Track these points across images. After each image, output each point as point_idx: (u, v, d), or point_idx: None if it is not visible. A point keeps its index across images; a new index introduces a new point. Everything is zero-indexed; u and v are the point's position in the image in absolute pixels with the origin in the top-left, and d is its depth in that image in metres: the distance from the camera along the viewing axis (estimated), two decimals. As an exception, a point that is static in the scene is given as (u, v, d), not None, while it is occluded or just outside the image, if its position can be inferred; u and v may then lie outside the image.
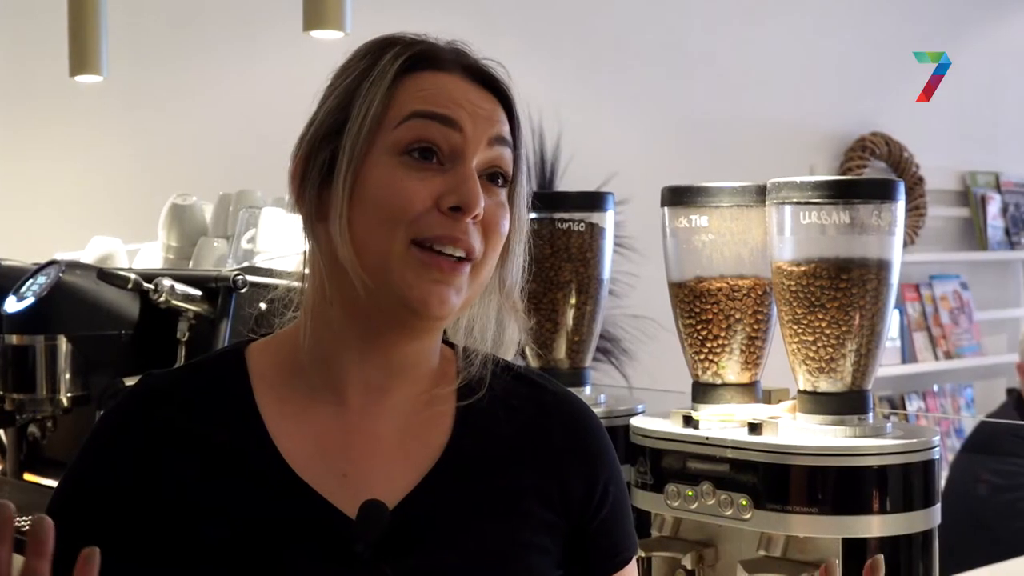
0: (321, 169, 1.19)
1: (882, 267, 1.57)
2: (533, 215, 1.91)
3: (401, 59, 1.19)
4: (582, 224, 1.92)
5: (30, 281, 2.32)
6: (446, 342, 1.30)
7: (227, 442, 1.20)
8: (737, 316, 1.73)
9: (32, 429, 2.44)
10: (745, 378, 1.75)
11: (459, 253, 1.16)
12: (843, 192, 1.56)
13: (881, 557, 1.19)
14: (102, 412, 1.28)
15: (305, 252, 1.23)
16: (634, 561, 1.32)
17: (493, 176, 1.20)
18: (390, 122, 1.17)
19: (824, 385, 1.60)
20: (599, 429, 1.32)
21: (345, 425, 1.22)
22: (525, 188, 1.24)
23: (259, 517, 1.17)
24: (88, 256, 2.74)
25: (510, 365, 1.31)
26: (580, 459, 1.28)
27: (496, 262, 1.22)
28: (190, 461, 1.19)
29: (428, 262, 1.15)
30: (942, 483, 3.13)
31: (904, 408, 5.60)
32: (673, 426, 1.69)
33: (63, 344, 2.25)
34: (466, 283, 1.18)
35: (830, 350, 1.58)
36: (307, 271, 1.24)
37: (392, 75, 1.18)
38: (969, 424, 5.61)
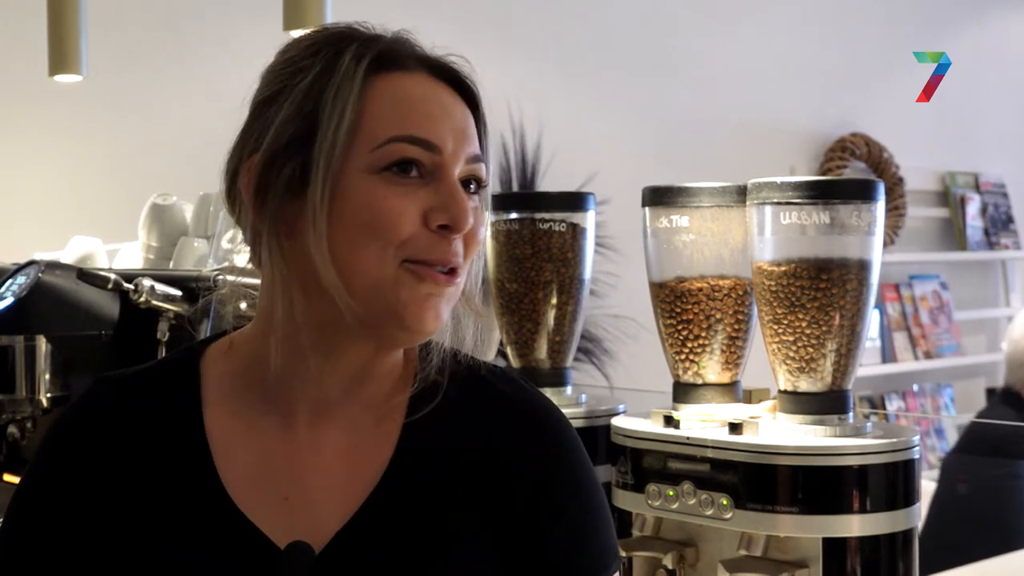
0: (289, 182, 1.12)
1: (862, 267, 1.58)
2: (514, 215, 1.93)
3: (365, 60, 1.13)
4: (563, 224, 1.92)
5: (9, 281, 2.31)
6: None
7: (168, 463, 1.17)
8: (718, 316, 1.74)
9: (11, 430, 2.42)
10: (726, 378, 1.76)
11: (448, 268, 1.13)
12: (823, 192, 1.56)
13: None
14: (51, 423, 1.24)
15: (267, 269, 1.16)
16: None
17: (466, 183, 1.16)
18: (365, 138, 1.12)
19: (804, 385, 1.60)
20: (557, 433, 1.23)
21: (293, 443, 1.18)
22: (490, 187, 1.21)
23: (190, 545, 1.13)
24: (68, 256, 2.73)
25: (475, 365, 1.25)
26: (529, 467, 1.20)
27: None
28: (130, 481, 1.16)
29: (422, 275, 1.12)
30: (924, 483, 3.15)
31: (884, 408, 5.62)
32: (654, 426, 1.69)
33: (43, 344, 2.24)
34: (454, 294, 1.16)
35: (810, 350, 1.58)
36: (274, 289, 1.16)
37: (360, 80, 1.13)
38: (949, 424, 5.64)
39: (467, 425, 1.21)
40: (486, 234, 1.20)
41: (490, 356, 1.28)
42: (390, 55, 1.15)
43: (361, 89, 1.13)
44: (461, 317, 1.22)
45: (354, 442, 1.19)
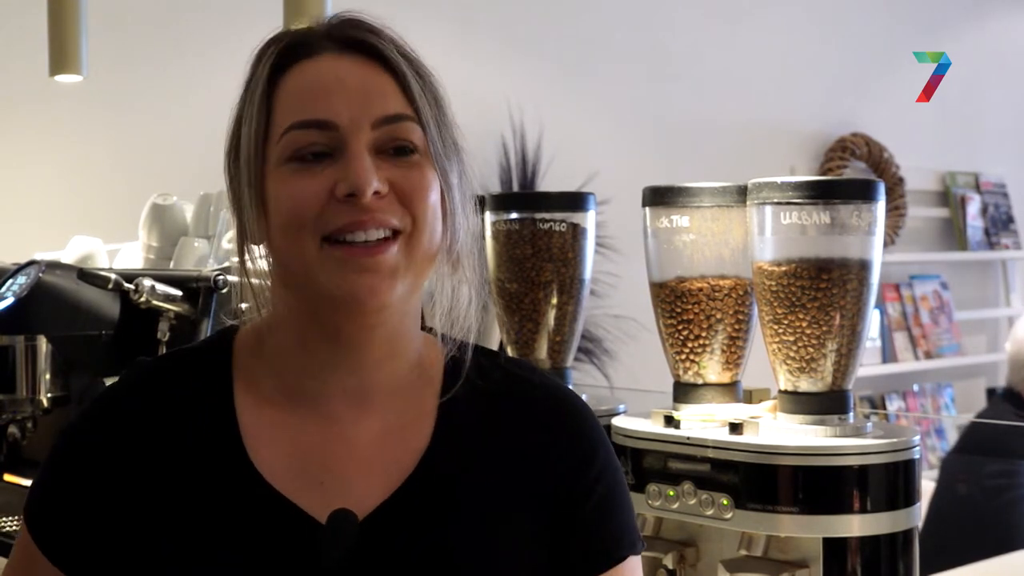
0: (236, 190, 1.19)
1: (862, 267, 1.58)
2: (514, 215, 1.93)
3: (271, 61, 1.17)
4: (563, 224, 1.92)
5: (10, 281, 2.31)
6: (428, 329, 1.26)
7: (201, 449, 1.18)
8: (718, 316, 1.74)
9: (12, 430, 2.43)
10: (726, 378, 1.76)
11: (373, 236, 1.12)
12: (823, 192, 1.56)
13: None
14: (84, 403, 1.27)
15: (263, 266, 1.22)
16: (632, 561, 1.24)
17: (399, 149, 1.15)
18: (273, 136, 1.15)
19: (805, 385, 1.60)
20: (586, 419, 1.26)
21: (324, 431, 1.19)
22: (449, 142, 1.19)
23: (226, 528, 1.15)
24: (68, 256, 2.73)
25: (495, 356, 1.28)
26: (565, 451, 1.23)
27: (439, 229, 1.17)
28: (162, 467, 1.17)
29: (343, 257, 1.12)
30: (924, 483, 3.15)
31: (884, 408, 5.62)
32: (654, 426, 1.69)
33: (43, 344, 2.24)
34: (401, 261, 1.14)
35: (811, 350, 1.58)
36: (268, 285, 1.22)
37: (264, 82, 1.16)
38: (949, 424, 5.64)
39: (498, 410, 1.23)
40: (455, 190, 1.18)
41: (489, 337, 1.29)
42: (295, 47, 1.18)
43: (266, 90, 1.16)
44: (456, 285, 1.23)
45: (388, 427, 1.20)
